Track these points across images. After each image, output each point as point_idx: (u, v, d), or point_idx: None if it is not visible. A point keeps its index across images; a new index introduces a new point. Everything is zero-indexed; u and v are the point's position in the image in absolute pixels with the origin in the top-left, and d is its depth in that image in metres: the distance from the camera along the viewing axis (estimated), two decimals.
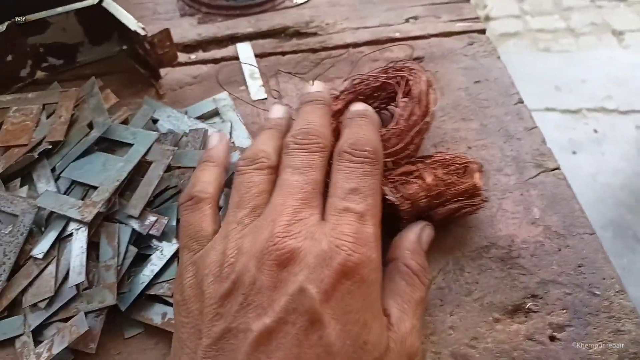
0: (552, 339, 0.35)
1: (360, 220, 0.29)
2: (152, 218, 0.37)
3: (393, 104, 0.41)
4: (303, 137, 0.33)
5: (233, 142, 0.44)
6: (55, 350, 0.34)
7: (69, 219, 0.38)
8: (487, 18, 2.25)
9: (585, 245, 0.39)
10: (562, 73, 1.95)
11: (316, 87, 0.39)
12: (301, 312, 0.26)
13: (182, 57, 0.54)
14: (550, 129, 1.74)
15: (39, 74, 0.53)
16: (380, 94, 0.41)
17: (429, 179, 0.36)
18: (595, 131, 1.71)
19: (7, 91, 0.50)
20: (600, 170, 1.61)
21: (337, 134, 0.37)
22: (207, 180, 0.35)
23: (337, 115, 0.40)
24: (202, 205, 0.34)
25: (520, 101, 0.48)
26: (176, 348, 0.29)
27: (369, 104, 0.41)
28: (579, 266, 0.38)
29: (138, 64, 0.52)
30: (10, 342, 0.36)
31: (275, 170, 0.34)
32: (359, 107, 0.38)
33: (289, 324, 0.26)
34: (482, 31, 0.55)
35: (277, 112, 0.40)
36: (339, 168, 0.32)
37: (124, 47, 0.54)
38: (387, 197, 0.36)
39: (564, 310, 0.36)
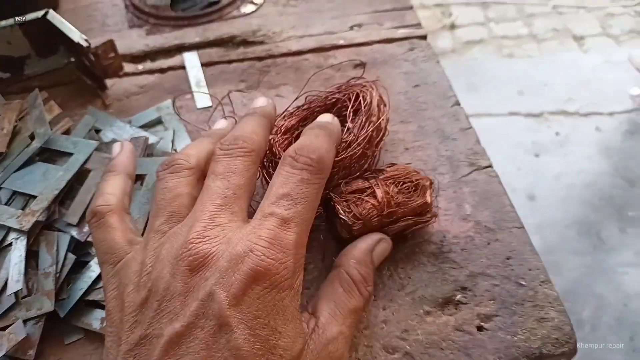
0: (480, 329, 0.37)
1: (282, 226, 0.29)
2: None
3: (347, 122, 0.43)
4: (229, 142, 0.33)
5: (175, 150, 0.45)
6: None
7: (9, 229, 0.38)
8: (453, 26, 2.30)
9: (513, 239, 0.41)
10: (526, 78, 2.00)
11: (260, 101, 0.40)
12: (209, 316, 0.26)
13: (130, 67, 0.55)
14: (514, 132, 1.79)
15: None
16: (333, 111, 0.43)
17: (381, 197, 0.37)
18: (557, 134, 1.76)
19: None
20: (564, 171, 1.65)
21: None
22: (109, 191, 0.35)
23: (292, 131, 0.41)
24: (107, 220, 0.33)
25: (457, 103, 0.50)
26: (103, 357, 0.30)
27: None
28: (507, 258, 0.40)
29: (85, 76, 0.53)
30: None
31: (198, 172, 0.34)
32: (323, 117, 0.38)
33: (197, 328, 0.26)
34: (423, 37, 0.57)
35: (220, 124, 0.40)
36: (279, 172, 0.33)
37: (71, 59, 0.55)
38: (340, 215, 0.37)
39: (492, 301, 0.38)
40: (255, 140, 0.34)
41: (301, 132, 0.42)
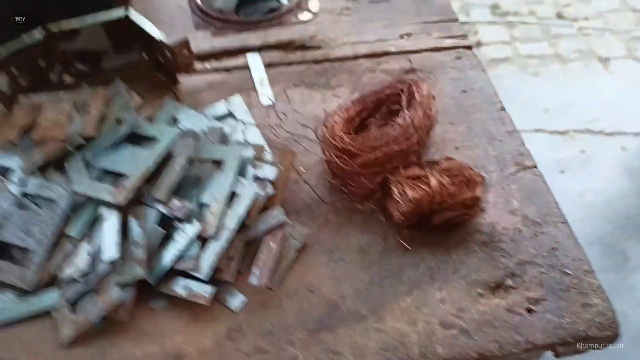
0: (529, 311, 0.40)
1: None
2: (177, 202, 0.42)
3: (398, 115, 0.47)
4: None
5: (246, 140, 0.49)
6: (91, 317, 0.38)
7: (101, 203, 0.42)
8: (479, 44, 2.34)
9: (558, 232, 0.44)
10: (551, 96, 2.02)
11: None
12: None
13: (197, 66, 0.59)
14: (539, 149, 1.80)
15: (67, 79, 0.58)
16: (386, 104, 0.47)
17: (435, 185, 0.41)
18: (583, 152, 1.78)
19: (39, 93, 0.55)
20: (587, 189, 1.66)
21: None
22: None
23: (351, 122, 0.46)
24: None
25: (502, 108, 0.54)
26: None
27: (376, 114, 0.47)
28: (553, 249, 0.43)
29: (158, 71, 0.58)
30: (48, 312, 0.40)
31: None
32: None
33: None
34: (469, 47, 0.61)
35: None
36: None
37: (145, 56, 0.59)
38: (394, 196, 0.41)
39: (539, 287, 0.41)
40: None
41: (359, 121, 0.47)
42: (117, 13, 0.54)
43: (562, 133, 1.82)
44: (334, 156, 0.43)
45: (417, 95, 0.44)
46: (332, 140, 0.43)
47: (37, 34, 0.53)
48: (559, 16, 2.46)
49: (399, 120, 0.43)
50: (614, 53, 2.33)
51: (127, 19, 0.55)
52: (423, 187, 0.41)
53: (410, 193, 0.40)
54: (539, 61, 2.24)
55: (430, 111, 0.44)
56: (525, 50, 2.34)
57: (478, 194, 0.42)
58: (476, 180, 0.42)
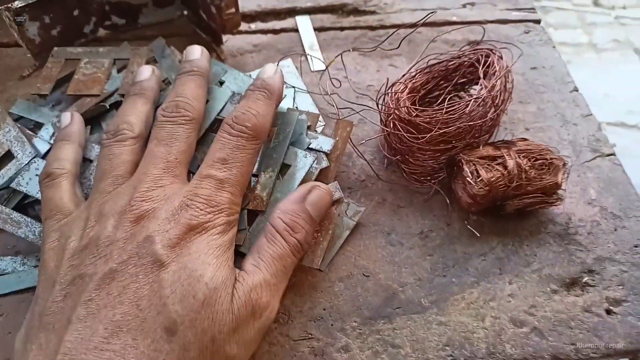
0: (609, 312, 0.36)
1: (218, 186, 0.31)
2: None
3: (468, 87, 0.43)
4: (171, 109, 0.35)
5: (297, 107, 0.45)
6: None
7: None
8: None
9: None
10: (584, 86, 1.96)
11: (195, 53, 0.41)
12: (144, 255, 0.28)
13: (242, 26, 0.55)
14: None
15: (101, 32, 0.54)
16: (456, 75, 0.42)
17: (512, 167, 0.37)
18: (615, 145, 1.72)
19: (70, 45, 0.51)
20: None
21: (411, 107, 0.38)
22: (63, 157, 0.36)
23: (416, 91, 0.41)
24: (59, 181, 0.35)
25: (576, 89, 0.49)
26: (31, 307, 0.30)
27: (443, 86, 0.42)
28: (635, 246, 0.39)
29: (199, 29, 0.53)
30: None
31: (141, 139, 0.36)
32: (266, 71, 0.39)
33: (130, 266, 0.28)
34: (537, 21, 0.56)
35: (144, 73, 0.40)
36: (217, 138, 0.35)
37: (185, 12, 0.55)
38: (467, 178, 0.37)
39: (620, 287, 0.37)
40: (196, 106, 0.36)
41: (423, 93, 0.42)
42: None
43: None
44: (399, 128, 0.39)
45: (496, 65, 0.39)
46: (397, 112, 0.39)
47: None
48: (596, 4, 2.37)
49: (474, 92, 0.39)
50: None
51: None
52: (499, 168, 0.37)
53: (484, 174, 0.36)
54: (573, 49, 2.16)
55: (508, 85, 0.39)
56: (559, 37, 2.25)
57: (558, 180, 0.37)
58: (558, 165, 0.38)
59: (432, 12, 0.46)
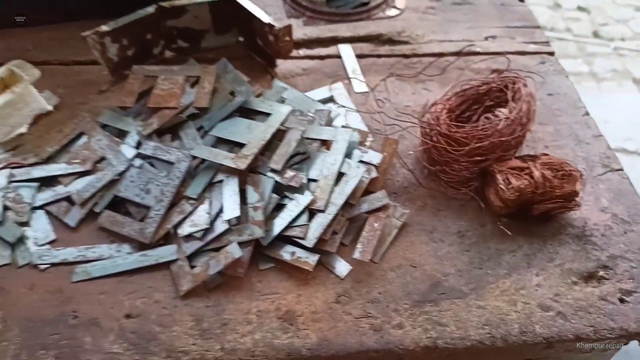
0: (622, 301, 0.42)
1: None
2: (291, 173, 0.45)
3: (496, 109, 0.49)
4: None
5: (347, 124, 0.52)
6: (211, 272, 0.41)
7: (218, 168, 0.45)
8: None
9: None
10: None
11: None
12: None
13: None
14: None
15: (167, 53, 0.61)
16: (486, 98, 0.49)
17: (538, 177, 0.43)
18: None
19: (140, 64, 0.58)
20: None
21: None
22: None
23: (453, 111, 0.48)
24: None
25: (587, 113, 0.56)
26: None
27: (474, 108, 0.50)
28: None
29: (255, 54, 0.60)
30: (165, 265, 0.43)
31: None
32: None
33: None
34: (551, 53, 0.63)
35: None
36: None
37: (241, 38, 0.62)
38: (499, 185, 0.43)
39: (631, 280, 0.43)
40: None
41: (458, 113, 0.49)
42: None
43: None
44: (441, 141, 0.45)
45: (522, 91, 0.46)
46: (438, 127, 0.46)
47: (150, 9, 0.56)
48: (596, 35, 2.47)
49: (505, 113, 0.46)
50: None
51: (232, 1, 0.57)
52: (527, 177, 0.43)
53: (515, 182, 0.43)
54: (574, 78, 2.24)
55: (532, 107, 0.46)
56: None
57: (577, 188, 0.44)
58: (575, 176, 0.44)
59: (470, 44, 0.53)
